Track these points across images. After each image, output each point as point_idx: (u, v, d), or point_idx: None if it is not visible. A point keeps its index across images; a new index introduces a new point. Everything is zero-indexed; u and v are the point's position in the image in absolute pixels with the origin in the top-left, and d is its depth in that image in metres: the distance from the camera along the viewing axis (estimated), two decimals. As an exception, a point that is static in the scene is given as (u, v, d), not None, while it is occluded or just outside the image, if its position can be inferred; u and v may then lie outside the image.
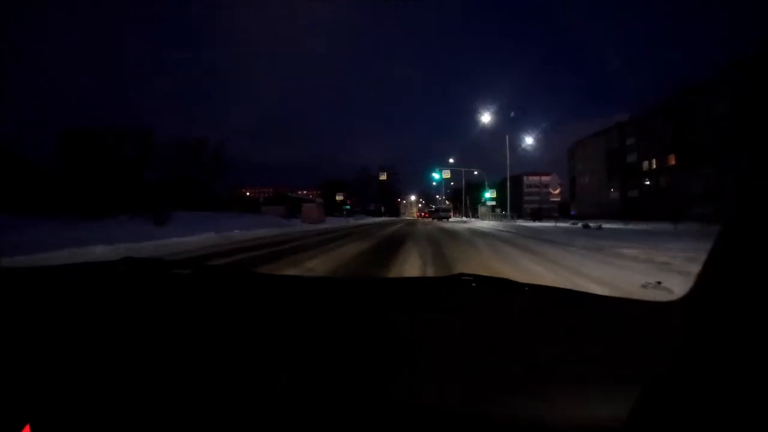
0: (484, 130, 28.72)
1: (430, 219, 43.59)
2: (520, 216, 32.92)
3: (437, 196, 68.60)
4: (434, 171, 36.50)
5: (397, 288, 0.98)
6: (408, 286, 1.00)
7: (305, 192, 51.61)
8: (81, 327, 0.62)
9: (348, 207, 36.25)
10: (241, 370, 0.53)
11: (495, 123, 27.65)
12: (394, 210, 69.87)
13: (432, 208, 59.47)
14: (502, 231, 14.10)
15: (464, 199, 44.56)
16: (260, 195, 46.40)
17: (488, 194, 32.31)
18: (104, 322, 0.64)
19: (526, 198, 58.80)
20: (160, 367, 0.53)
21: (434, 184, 66.20)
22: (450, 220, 38.98)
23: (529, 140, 27.32)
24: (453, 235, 12.03)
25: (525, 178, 57.42)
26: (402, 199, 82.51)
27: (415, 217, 65.63)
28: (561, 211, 39.55)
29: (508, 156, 26.25)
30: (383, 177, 35.42)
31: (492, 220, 29.62)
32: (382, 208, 56.62)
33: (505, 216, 30.59)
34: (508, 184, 27.42)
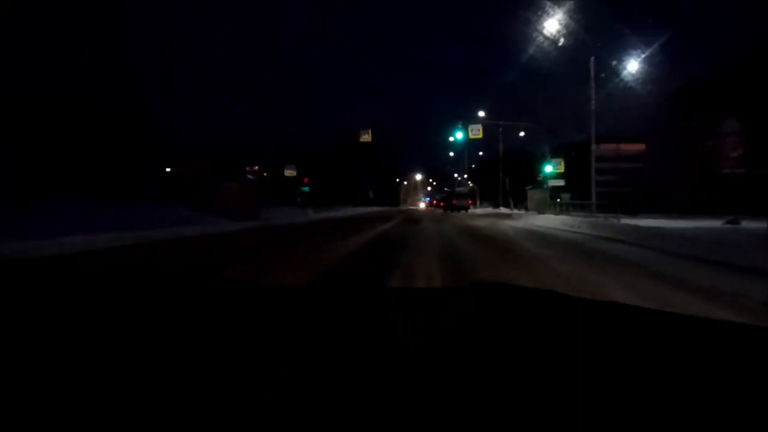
0: (532, 67, 22.80)
1: (443, 210, 40.09)
2: (582, 206, 27.06)
3: (456, 176, 62.48)
4: (456, 129, 30.48)
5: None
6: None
7: (256, 168, 45.30)
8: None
9: (306, 189, 30.54)
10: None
11: (550, 55, 21.59)
12: (391, 196, 63.65)
13: (445, 192, 53.80)
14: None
15: (502, 179, 38.84)
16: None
17: (550, 167, 26.32)
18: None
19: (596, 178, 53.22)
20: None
21: (451, 155, 60.68)
22: (470, 211, 36.39)
23: (629, 66, 21.69)
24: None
25: (596, 146, 51.46)
26: (404, 180, 77.16)
27: (420, 208, 60.11)
28: (650, 200, 33.41)
29: (593, 91, 20.54)
30: (365, 138, 29.27)
31: (560, 215, 23.64)
32: (370, 193, 50.69)
33: (580, 206, 24.77)
34: (593, 145, 21.63)
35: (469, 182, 55.08)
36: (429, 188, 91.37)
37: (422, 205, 73.13)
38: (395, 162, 60.29)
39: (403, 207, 64.33)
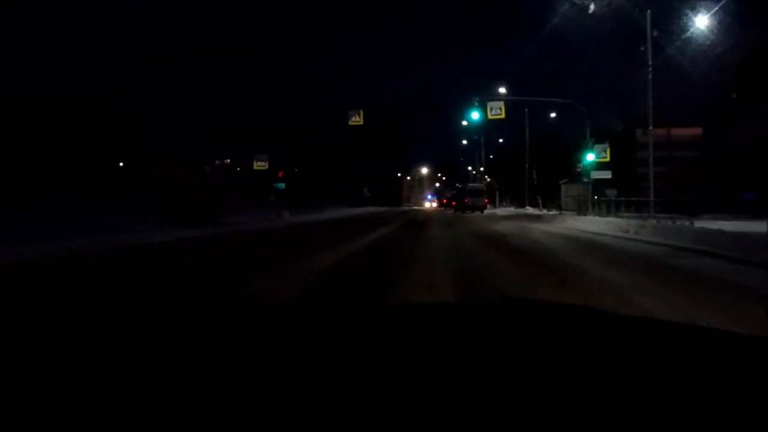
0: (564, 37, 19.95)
1: (455, 211, 37.81)
2: (633, 205, 23.65)
3: (471, 170, 58.95)
4: (472, 107, 27.42)
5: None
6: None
7: (228, 161, 42.62)
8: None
9: (281, 186, 27.70)
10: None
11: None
12: (392, 193, 60.33)
13: (456, 189, 50.91)
14: None
15: (528, 172, 35.75)
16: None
17: (592, 156, 23.13)
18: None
19: (639, 170, 49.39)
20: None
21: (464, 143, 57.19)
22: (487, 212, 33.94)
23: (690, 26, 19.01)
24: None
25: (641, 132, 47.63)
26: (407, 175, 73.40)
27: (425, 208, 57.00)
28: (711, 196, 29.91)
29: (649, 54, 17.71)
30: (356, 120, 26.33)
31: (607, 216, 20.59)
32: (365, 190, 47.45)
33: (628, 205, 21.75)
34: (650, 126, 18.73)
35: (486, 177, 51.84)
36: (438, 184, 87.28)
37: (427, 205, 69.89)
38: (397, 153, 56.72)
39: (406, 207, 61.31)
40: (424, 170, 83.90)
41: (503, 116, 26.83)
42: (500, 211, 37.84)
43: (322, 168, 41.10)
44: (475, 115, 27.78)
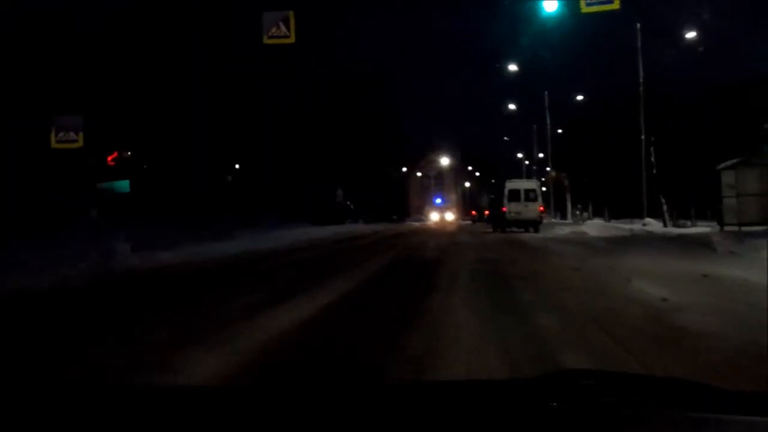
0: None
1: (493, 229, 24.20)
2: None
3: (523, 159, 41.55)
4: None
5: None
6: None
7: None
8: None
9: (121, 184, 13.12)
10: None
11: None
12: (392, 200, 42.23)
13: (490, 198, 33.75)
14: None
15: (645, 146, 19.17)
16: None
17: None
18: None
19: None
20: None
21: (511, 110, 37.91)
22: (546, 231, 20.92)
23: None
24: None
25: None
26: (417, 170, 52.73)
27: (433, 223, 38.39)
28: None
29: None
30: (277, 35, 10.66)
31: None
32: (339, 194, 28.88)
33: None
34: None
35: (548, 168, 34.57)
36: (468, 184, 62.69)
37: (434, 218, 47.29)
38: (398, 135, 38.28)
39: (414, 222, 43.10)
40: (445, 161, 56.48)
41: (616, 5, 11.65)
42: (587, 228, 20.41)
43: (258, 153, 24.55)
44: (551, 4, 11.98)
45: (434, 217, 48.08)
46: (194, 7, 24.24)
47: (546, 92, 34.40)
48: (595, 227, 19.16)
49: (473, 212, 43.97)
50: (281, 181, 26.17)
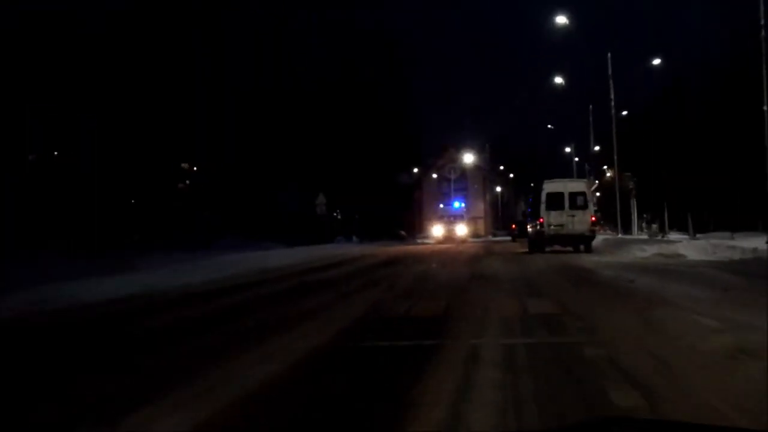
0: None
1: (530, 250, 18.69)
2: None
3: (573, 155, 35.90)
4: None
5: None
6: None
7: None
8: None
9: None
10: None
11: None
12: (395, 211, 35.60)
13: (529, 204, 28.71)
14: None
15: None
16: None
17: None
18: None
19: None
20: None
21: (559, 84, 31.11)
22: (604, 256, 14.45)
23: None
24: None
25: None
26: (432, 171, 41.66)
27: (437, 240, 32.38)
28: None
29: None
30: None
31: None
32: (321, 203, 22.65)
33: None
34: None
35: (605, 167, 28.72)
36: (499, 189, 49.37)
37: (437, 234, 34.31)
38: (405, 120, 30.50)
39: (425, 240, 34.81)
40: (469, 158, 44.12)
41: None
42: (682, 249, 13.94)
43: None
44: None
45: (437, 232, 35.43)
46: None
47: (609, 54, 25.41)
48: (693, 248, 13.15)
49: (513, 226, 35.83)
50: (249, 185, 20.92)
